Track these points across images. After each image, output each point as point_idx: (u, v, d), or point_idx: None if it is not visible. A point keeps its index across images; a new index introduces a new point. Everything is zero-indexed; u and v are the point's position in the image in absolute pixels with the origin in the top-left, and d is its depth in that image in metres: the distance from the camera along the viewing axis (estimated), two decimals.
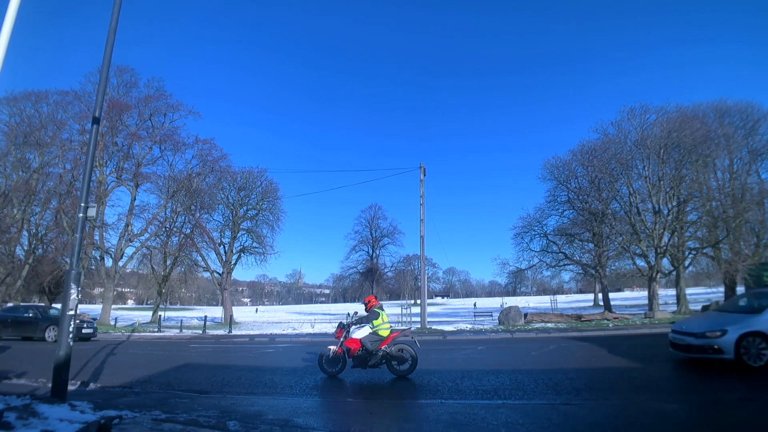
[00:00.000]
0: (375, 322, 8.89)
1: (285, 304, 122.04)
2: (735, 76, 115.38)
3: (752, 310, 8.97)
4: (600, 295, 41.00)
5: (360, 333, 8.86)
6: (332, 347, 9.10)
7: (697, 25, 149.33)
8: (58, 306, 17.36)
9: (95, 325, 20.01)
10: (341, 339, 9.05)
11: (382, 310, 9.21)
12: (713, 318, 9.80)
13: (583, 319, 22.17)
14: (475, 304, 64.07)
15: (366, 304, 9.50)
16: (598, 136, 28.95)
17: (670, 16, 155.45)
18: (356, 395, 7.43)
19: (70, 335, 6.40)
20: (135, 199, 31.21)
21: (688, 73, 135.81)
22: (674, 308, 26.23)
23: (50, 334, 17.73)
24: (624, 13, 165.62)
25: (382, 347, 8.76)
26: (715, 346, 8.49)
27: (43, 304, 27.64)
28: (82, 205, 6.78)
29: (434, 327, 22.43)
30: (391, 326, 9.18)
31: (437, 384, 7.99)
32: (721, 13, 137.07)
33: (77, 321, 18.03)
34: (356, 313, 9.75)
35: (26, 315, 18.78)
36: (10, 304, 25.54)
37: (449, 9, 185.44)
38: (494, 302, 69.00)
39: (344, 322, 9.45)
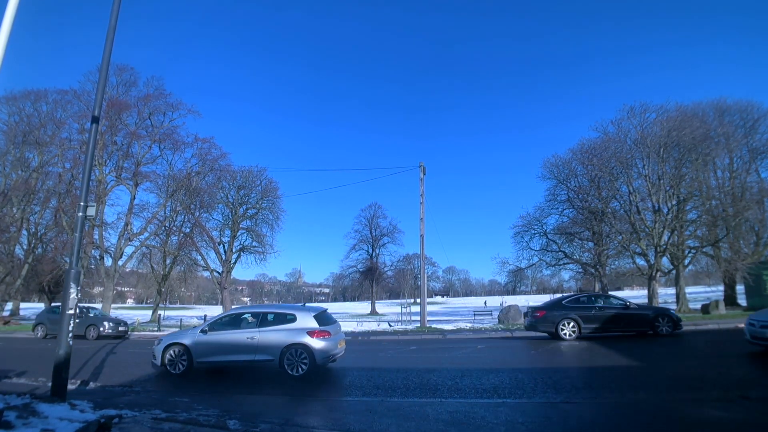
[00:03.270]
0: None
1: (285, 303, 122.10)
2: (735, 76, 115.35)
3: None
4: None
5: None
6: None
7: (697, 26, 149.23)
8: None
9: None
10: None
11: None
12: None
13: None
14: (485, 303, 64.04)
15: None
16: (597, 134, 28.98)
17: (670, 17, 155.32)
18: (356, 394, 7.43)
19: (70, 334, 6.40)
20: (134, 198, 31.23)
21: (687, 73, 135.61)
22: (674, 307, 26.25)
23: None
24: (624, 15, 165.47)
25: None
26: (154, 354, 9.51)
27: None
28: (82, 204, 6.78)
29: (434, 326, 22.44)
30: None
31: (436, 382, 8.01)
32: (721, 13, 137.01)
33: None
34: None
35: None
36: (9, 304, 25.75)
37: (449, 9, 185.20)
38: (494, 301, 69.13)
39: None
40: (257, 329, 9.19)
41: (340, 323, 10.93)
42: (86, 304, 27.90)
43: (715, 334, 14.41)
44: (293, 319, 9.26)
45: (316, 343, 8.80)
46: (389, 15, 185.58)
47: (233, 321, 9.76)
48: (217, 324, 9.64)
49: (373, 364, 10.73)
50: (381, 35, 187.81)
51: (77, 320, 18.78)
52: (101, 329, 19.43)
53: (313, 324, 9.07)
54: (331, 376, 9.06)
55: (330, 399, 7.20)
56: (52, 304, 30.99)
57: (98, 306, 27.73)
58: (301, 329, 9.00)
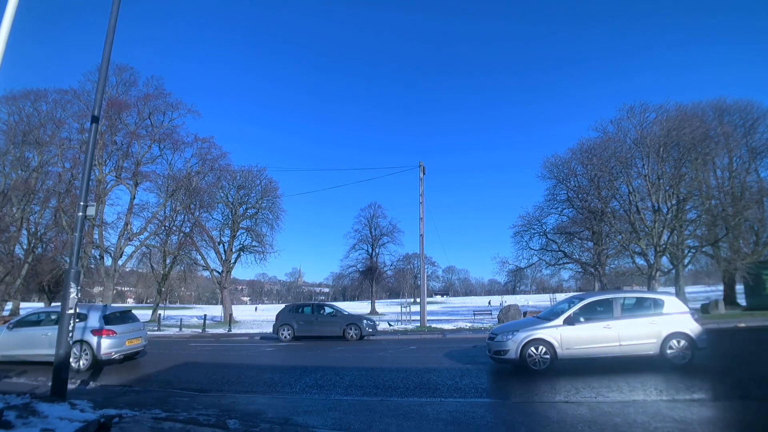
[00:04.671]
0: None
1: (284, 303, 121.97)
2: (734, 76, 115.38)
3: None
4: None
5: None
6: None
7: (697, 26, 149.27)
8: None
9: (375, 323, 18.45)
10: None
11: None
12: None
13: None
14: (489, 302, 63.63)
15: None
16: (597, 134, 28.92)
17: (670, 18, 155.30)
18: (356, 393, 7.43)
19: (70, 334, 6.40)
20: (134, 197, 31.17)
21: (687, 74, 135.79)
22: None
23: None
24: (623, 16, 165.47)
25: None
26: None
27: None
28: (82, 203, 6.78)
29: (434, 325, 22.45)
30: None
31: (437, 382, 8.02)
32: (720, 14, 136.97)
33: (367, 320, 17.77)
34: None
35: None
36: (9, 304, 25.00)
37: (449, 11, 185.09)
38: (494, 301, 69.15)
39: None
40: (53, 326, 9.83)
41: (140, 323, 11.90)
42: (330, 302, 25.16)
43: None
44: (84, 318, 10.19)
45: (98, 341, 9.95)
46: (389, 16, 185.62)
47: (38, 319, 10.82)
48: (23, 321, 10.82)
49: (377, 364, 10.75)
50: (381, 36, 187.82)
51: (332, 318, 17.63)
52: (362, 328, 17.03)
53: (100, 323, 10.24)
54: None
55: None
56: (296, 302, 26.12)
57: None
58: (88, 328, 10.07)
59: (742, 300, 27.01)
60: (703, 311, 22.61)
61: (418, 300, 35.14)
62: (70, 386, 7.29)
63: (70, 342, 6.40)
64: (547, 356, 8.48)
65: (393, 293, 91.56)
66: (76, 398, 6.16)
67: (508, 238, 60.58)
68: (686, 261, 27.44)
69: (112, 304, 27.24)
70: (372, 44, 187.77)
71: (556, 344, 8.52)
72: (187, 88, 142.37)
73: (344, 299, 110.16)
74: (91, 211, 7.05)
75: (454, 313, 41.37)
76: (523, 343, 8.57)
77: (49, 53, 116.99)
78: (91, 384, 8.55)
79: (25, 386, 7.91)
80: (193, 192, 32.24)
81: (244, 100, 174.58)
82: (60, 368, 6.24)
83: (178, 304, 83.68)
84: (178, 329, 24.97)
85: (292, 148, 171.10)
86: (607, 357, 8.56)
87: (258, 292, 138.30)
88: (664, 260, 26.42)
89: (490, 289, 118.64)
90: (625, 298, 9.16)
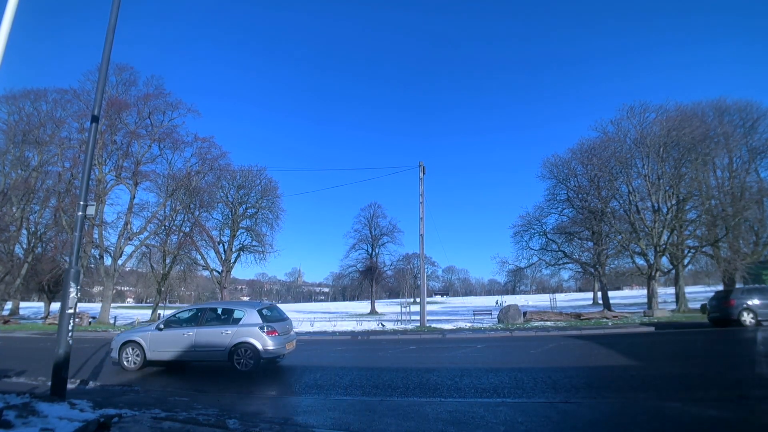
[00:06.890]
0: None
1: (284, 303, 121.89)
2: (735, 76, 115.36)
3: None
4: (599, 294, 41.02)
5: None
6: None
7: (697, 26, 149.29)
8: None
9: None
10: None
11: None
12: None
13: (582, 318, 22.22)
14: (497, 302, 62.83)
15: None
16: (597, 134, 28.99)
17: (670, 18, 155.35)
18: (355, 393, 7.43)
19: (70, 334, 6.39)
20: (134, 197, 31.16)
21: (687, 74, 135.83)
22: (673, 306, 26.29)
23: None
24: (624, 16, 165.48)
25: None
26: None
27: None
28: (82, 203, 6.76)
29: (433, 325, 22.45)
30: None
31: (437, 382, 8.01)
32: (721, 14, 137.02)
33: None
34: None
35: None
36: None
37: (450, 11, 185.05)
38: (491, 300, 69.16)
39: None
40: None
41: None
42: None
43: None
44: None
45: None
46: (390, 15, 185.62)
47: None
48: None
49: (373, 364, 10.75)
50: (381, 35, 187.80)
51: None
52: None
53: None
54: None
55: None
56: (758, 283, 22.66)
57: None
58: None
59: None
60: (703, 311, 22.60)
61: (417, 300, 35.15)
62: (70, 386, 7.28)
63: (70, 342, 6.39)
64: (139, 357, 9.69)
65: (393, 293, 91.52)
66: (76, 398, 6.14)
67: (508, 238, 60.54)
68: (686, 261, 27.46)
69: None
70: (372, 44, 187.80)
71: (145, 347, 9.67)
72: (187, 88, 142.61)
73: (344, 299, 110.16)
74: (91, 210, 7.04)
75: (453, 313, 41.38)
76: (120, 344, 9.77)
77: (49, 52, 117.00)
78: (91, 384, 8.54)
79: (24, 386, 7.90)
80: (192, 191, 32.25)
81: (244, 100, 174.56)
82: (60, 368, 6.23)
83: (178, 304, 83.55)
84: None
85: (292, 148, 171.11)
86: (188, 360, 9.72)
87: (258, 292, 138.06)
88: (664, 260, 26.46)
89: (490, 289, 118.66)
90: (211, 310, 10.22)
